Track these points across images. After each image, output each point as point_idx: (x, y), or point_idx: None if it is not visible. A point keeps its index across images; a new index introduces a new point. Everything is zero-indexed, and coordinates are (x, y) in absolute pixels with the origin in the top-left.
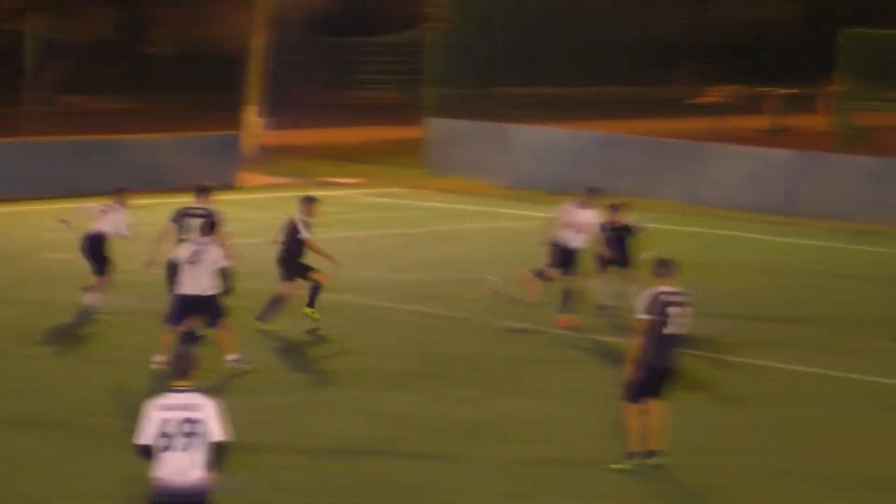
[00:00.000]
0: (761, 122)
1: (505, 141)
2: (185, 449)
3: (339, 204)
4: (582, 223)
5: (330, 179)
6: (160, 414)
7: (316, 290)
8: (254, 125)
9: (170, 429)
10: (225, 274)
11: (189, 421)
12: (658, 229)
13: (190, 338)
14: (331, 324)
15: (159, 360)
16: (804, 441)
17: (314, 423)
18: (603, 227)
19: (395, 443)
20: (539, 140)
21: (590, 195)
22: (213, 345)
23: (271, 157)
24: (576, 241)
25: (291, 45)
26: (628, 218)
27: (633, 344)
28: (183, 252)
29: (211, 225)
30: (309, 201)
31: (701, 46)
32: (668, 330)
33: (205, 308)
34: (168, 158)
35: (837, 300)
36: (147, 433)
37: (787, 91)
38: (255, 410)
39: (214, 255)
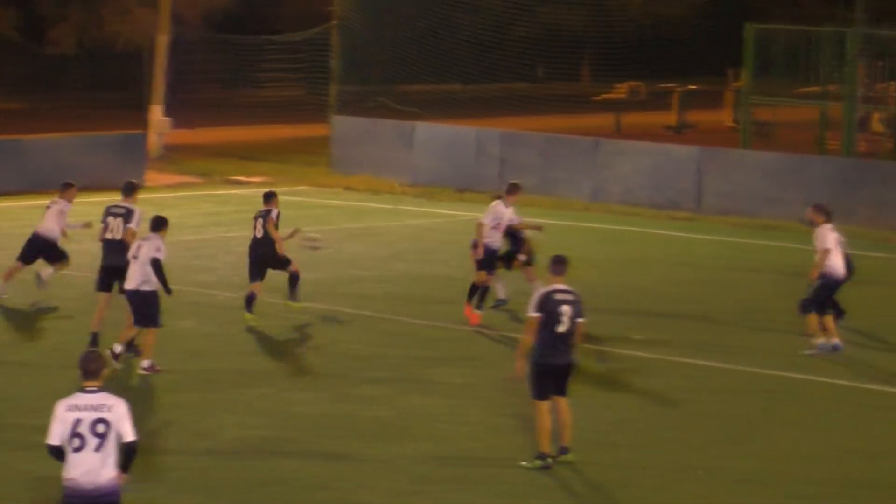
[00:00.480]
0: (665, 118)
1: (408, 138)
2: (96, 449)
3: (244, 202)
4: (504, 222)
5: (235, 178)
6: (70, 414)
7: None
8: (159, 124)
9: (80, 429)
10: (157, 267)
11: (100, 421)
12: (562, 226)
13: (129, 346)
14: (236, 323)
15: (145, 365)
16: (713, 436)
17: (214, 423)
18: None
19: (297, 441)
20: (442, 137)
21: (511, 192)
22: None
23: (176, 156)
24: (498, 240)
25: (192, 43)
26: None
27: (523, 341)
28: (132, 248)
29: (158, 221)
30: (273, 196)
31: (604, 42)
32: (559, 328)
33: (139, 304)
34: (72, 158)
35: (744, 295)
36: (57, 434)
37: (692, 87)
38: (156, 410)
39: (148, 249)
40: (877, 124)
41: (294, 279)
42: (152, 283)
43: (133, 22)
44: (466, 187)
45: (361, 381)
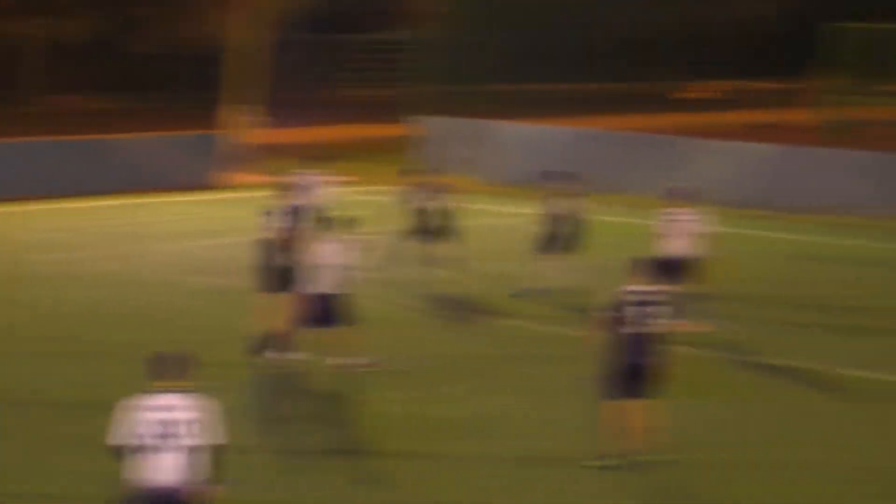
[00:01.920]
0: (747, 116)
1: (489, 138)
2: (163, 450)
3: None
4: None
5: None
6: (139, 414)
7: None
8: (240, 123)
9: (149, 429)
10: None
11: (168, 422)
12: (639, 224)
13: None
14: None
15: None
16: (797, 434)
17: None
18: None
19: (377, 441)
20: (522, 136)
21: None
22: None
23: (258, 156)
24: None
25: (277, 43)
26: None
27: (590, 338)
28: (312, 251)
29: (340, 222)
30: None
31: (687, 43)
32: (632, 329)
33: (327, 307)
34: (148, 158)
35: (822, 292)
36: (122, 433)
37: (773, 85)
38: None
39: (333, 253)
40: None
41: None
42: (342, 286)
43: (215, 22)
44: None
45: (440, 380)
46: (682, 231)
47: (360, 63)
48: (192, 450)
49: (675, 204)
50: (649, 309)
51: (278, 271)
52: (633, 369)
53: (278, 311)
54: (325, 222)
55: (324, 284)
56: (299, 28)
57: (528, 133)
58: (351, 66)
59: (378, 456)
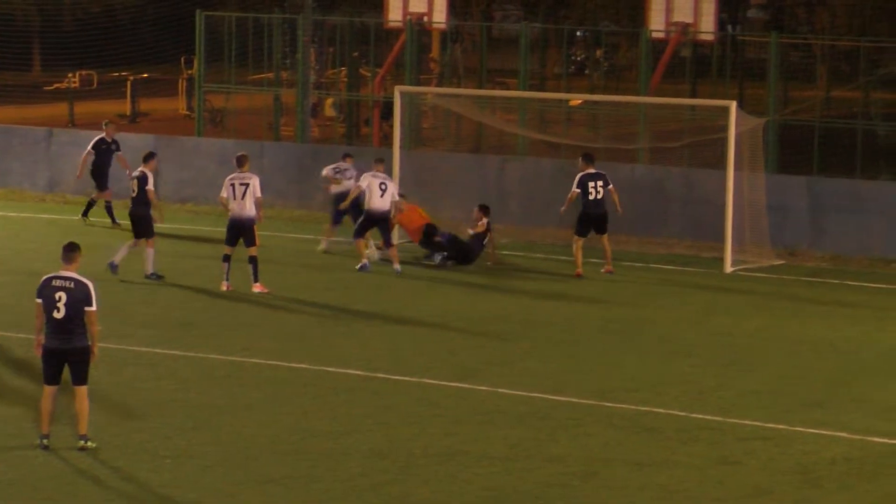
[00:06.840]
0: (119, 107)
1: None
2: None
3: None
4: None
5: None
6: None
7: None
8: None
9: None
10: None
11: None
12: (19, 218)
13: None
14: None
15: None
16: (178, 423)
17: None
18: None
19: None
20: None
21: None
22: None
23: None
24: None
25: None
26: None
27: (35, 325)
28: None
29: None
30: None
31: (55, 30)
32: (56, 314)
33: None
34: None
35: (197, 283)
36: None
37: (144, 75)
38: None
39: None
40: (329, 109)
41: None
42: None
43: None
44: None
45: None
46: None
47: None
48: None
49: None
50: (69, 294)
51: None
52: (63, 353)
53: None
54: None
55: None
56: None
57: None
58: None
59: None
